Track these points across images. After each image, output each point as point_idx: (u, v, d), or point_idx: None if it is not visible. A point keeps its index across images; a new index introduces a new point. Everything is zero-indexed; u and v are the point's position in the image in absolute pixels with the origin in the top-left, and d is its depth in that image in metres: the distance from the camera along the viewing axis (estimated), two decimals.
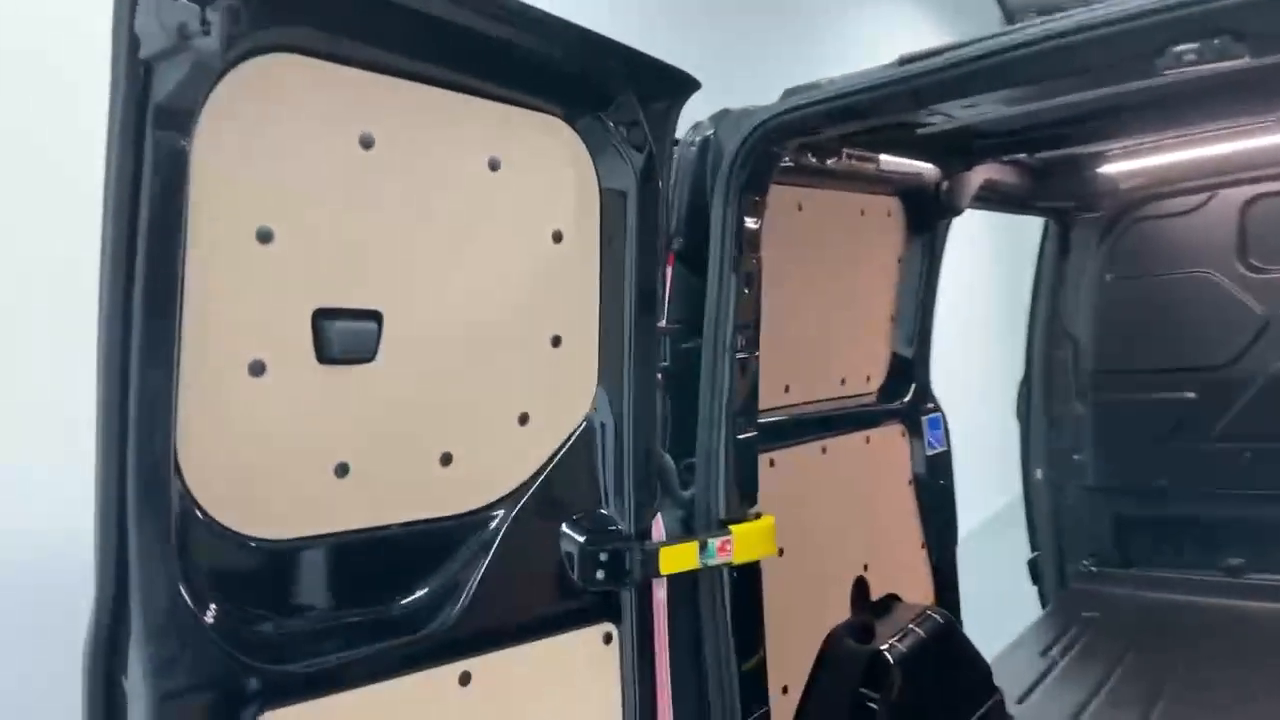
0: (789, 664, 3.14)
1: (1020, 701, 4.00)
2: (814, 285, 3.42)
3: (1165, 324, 5.07)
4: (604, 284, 2.21)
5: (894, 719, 3.17)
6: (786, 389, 3.35)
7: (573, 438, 2.19)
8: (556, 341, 2.12)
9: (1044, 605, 5.26)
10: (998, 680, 3.85)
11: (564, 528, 2.10)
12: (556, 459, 2.12)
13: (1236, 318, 4.91)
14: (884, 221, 3.85)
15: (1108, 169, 4.84)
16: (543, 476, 2.13)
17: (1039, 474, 5.34)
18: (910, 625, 3.46)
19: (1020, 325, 5.67)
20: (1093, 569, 5.28)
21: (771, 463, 3.16)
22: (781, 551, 3.12)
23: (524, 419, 2.07)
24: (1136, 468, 5.16)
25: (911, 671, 3.27)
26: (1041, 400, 5.34)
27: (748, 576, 2.54)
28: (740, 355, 2.52)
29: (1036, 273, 5.42)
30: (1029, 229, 5.83)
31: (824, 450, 3.46)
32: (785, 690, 3.12)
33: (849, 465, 3.62)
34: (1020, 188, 4.69)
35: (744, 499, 2.53)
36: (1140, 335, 5.15)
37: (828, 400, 3.62)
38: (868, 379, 3.92)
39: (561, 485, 2.16)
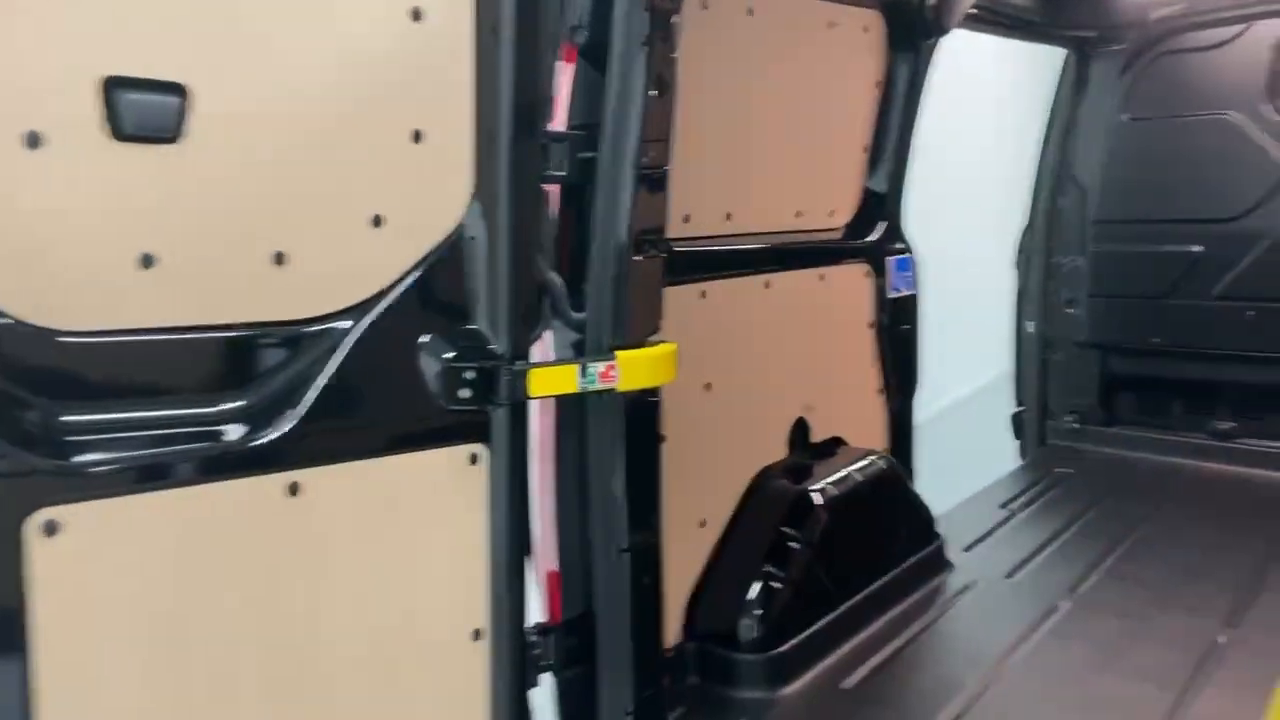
0: (710, 499, 3.05)
1: (967, 549, 3.92)
2: (767, 104, 3.13)
3: (1179, 171, 4.81)
4: (479, 77, 1.99)
5: (816, 560, 3.07)
6: (728, 216, 3.11)
7: (439, 247, 2.00)
8: (417, 137, 1.92)
9: (1023, 454, 5.24)
10: (950, 530, 3.79)
11: (424, 342, 1.93)
12: (419, 269, 1.93)
13: (1256, 166, 4.63)
14: (859, 38, 3.50)
15: None
16: (402, 286, 1.97)
17: (1030, 327, 5.19)
18: (849, 469, 3.36)
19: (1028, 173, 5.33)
20: (1075, 425, 5.17)
21: (703, 294, 2.97)
22: (709, 386, 2.97)
23: (377, 221, 1.88)
24: (1132, 324, 5.00)
25: (840, 514, 3.18)
26: (1041, 250, 5.14)
27: (643, 406, 2.39)
28: (645, 170, 2.28)
29: (1050, 113, 5.13)
30: (1046, 67, 5.36)
31: (768, 285, 3.25)
32: (703, 524, 3.03)
33: (798, 303, 3.43)
34: (1033, 9, 4.27)
35: (642, 325, 2.35)
36: (1151, 183, 4.90)
37: (778, 233, 3.36)
38: (831, 213, 3.66)
39: (425, 298, 1.99)
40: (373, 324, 1.93)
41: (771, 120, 3.15)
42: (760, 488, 3.14)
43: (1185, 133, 4.77)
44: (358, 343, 1.91)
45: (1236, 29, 4.63)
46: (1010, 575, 3.65)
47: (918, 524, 3.62)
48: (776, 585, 2.94)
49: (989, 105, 6.73)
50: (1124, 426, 5.13)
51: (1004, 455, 5.25)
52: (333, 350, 1.89)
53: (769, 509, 3.10)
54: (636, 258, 2.31)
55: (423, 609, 2.03)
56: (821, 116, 3.41)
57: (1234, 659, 2.95)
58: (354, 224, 1.93)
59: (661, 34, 2.29)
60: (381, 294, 1.96)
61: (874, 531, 3.40)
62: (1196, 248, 4.80)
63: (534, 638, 2.26)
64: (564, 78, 2.31)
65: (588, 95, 2.32)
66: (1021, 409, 5.28)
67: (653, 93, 2.29)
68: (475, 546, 2.10)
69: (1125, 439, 5.08)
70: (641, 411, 2.39)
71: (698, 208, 2.87)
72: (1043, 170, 5.10)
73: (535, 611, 2.30)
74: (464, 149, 2.04)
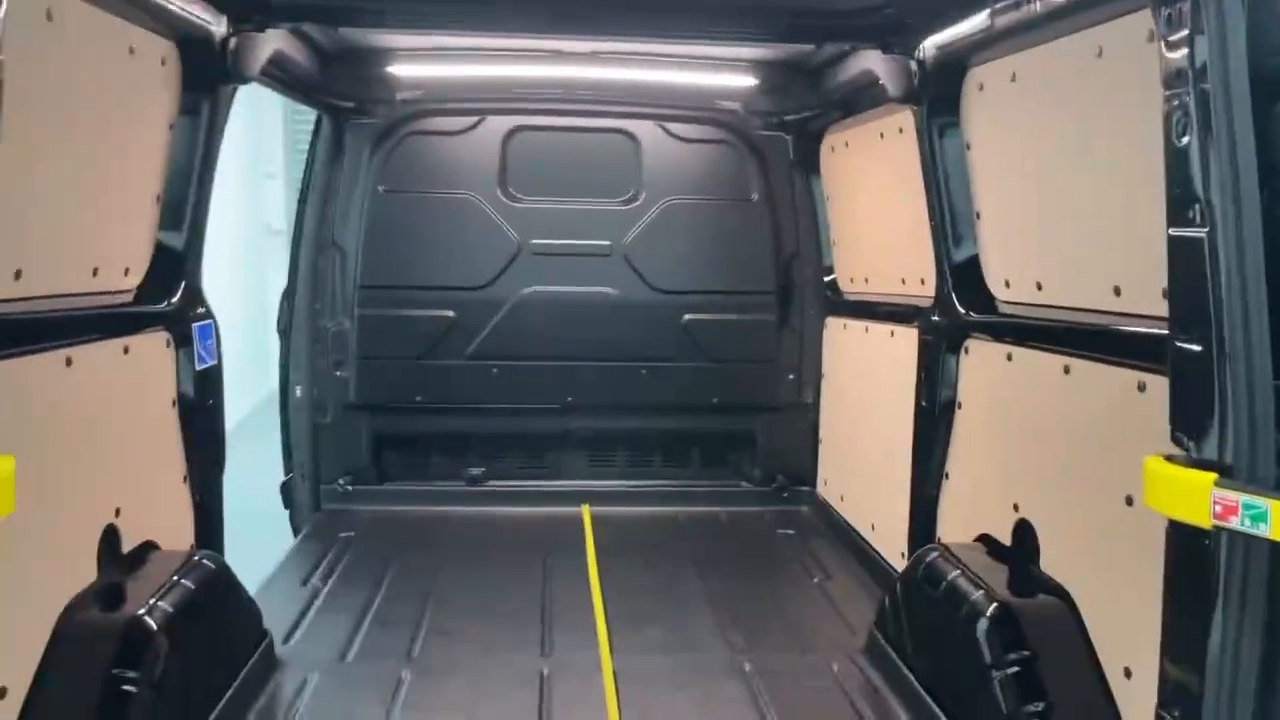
0: (9, 657, 2.21)
1: (287, 640, 3.60)
2: (30, 137, 2.37)
3: (434, 243, 5.07)
4: None
5: (160, 699, 2.45)
6: (18, 275, 2.32)
7: None
8: None
9: (296, 531, 4.94)
10: (265, 619, 3.44)
11: None
12: None
13: (495, 242, 5.09)
14: (155, 70, 2.97)
15: (394, 69, 4.62)
16: None
17: (298, 391, 4.95)
18: (172, 578, 2.85)
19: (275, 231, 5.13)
20: (349, 488, 5.10)
21: None
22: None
23: None
24: (396, 384, 5.11)
25: (177, 636, 2.64)
26: (306, 313, 4.93)
27: None
28: None
29: (306, 176, 4.98)
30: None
31: (69, 363, 2.52)
32: (2, 694, 2.18)
33: (103, 382, 2.78)
34: (310, 72, 4.15)
35: None
36: (408, 252, 5.07)
37: (72, 295, 2.67)
38: (126, 272, 3.05)
39: None
40: None
41: (37, 151, 2.43)
42: (69, 628, 2.40)
43: (436, 208, 5.04)
44: None
45: (472, 120, 5.06)
46: (344, 657, 3.45)
47: (249, 623, 3.24)
48: None
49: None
50: (394, 482, 5.20)
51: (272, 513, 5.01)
52: None
53: (90, 650, 2.40)
54: None
55: None
56: (102, 156, 2.80)
57: (562, 685, 3.21)
58: None
59: None
60: None
61: (214, 644, 2.93)
62: (450, 313, 5.10)
63: None
64: None
65: None
66: (290, 476, 5.03)
67: None
68: None
69: (396, 494, 5.15)
70: None
71: None
72: (302, 231, 4.93)
73: None
74: None
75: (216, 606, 2.92)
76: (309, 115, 5.05)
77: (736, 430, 5.35)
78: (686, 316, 5.23)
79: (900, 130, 3.84)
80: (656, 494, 5.26)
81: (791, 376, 5.28)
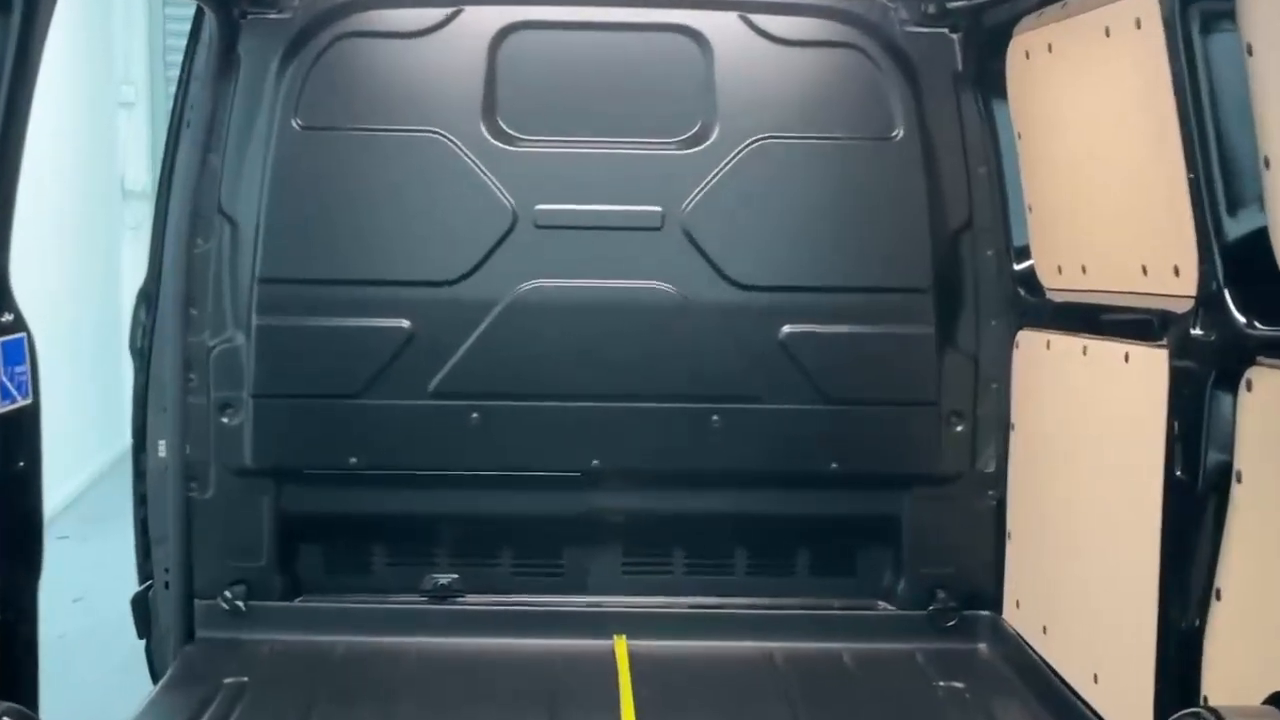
0: None
1: None
2: None
3: (377, 211, 4.41)
4: None
5: None
6: None
7: None
8: None
9: (156, 675, 4.31)
10: None
11: None
12: None
13: (478, 209, 4.37)
14: None
15: None
16: None
17: (162, 449, 4.29)
18: None
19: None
20: (240, 604, 4.41)
21: None
22: None
23: None
24: (318, 437, 4.47)
25: None
26: (176, 324, 4.26)
27: None
28: None
29: (177, 106, 4.42)
30: None
31: None
32: None
33: None
34: None
35: None
36: (339, 225, 4.43)
37: None
38: None
39: None
40: None
41: None
42: None
43: (382, 155, 4.38)
44: None
45: (441, 12, 4.34)
46: None
47: None
48: None
49: None
50: (312, 596, 4.54)
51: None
52: None
53: None
54: None
55: None
56: None
57: None
58: None
59: None
60: None
61: None
62: (404, 322, 4.32)
63: None
64: None
65: None
66: (150, 583, 4.38)
67: None
68: None
69: (316, 616, 4.45)
70: None
71: None
72: (168, 196, 4.29)
73: None
74: None
75: None
76: (186, 11, 4.87)
77: (869, 516, 4.68)
78: (786, 329, 4.45)
79: (1138, 23, 3.40)
80: (736, 620, 4.60)
81: (960, 428, 4.51)
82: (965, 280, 4.56)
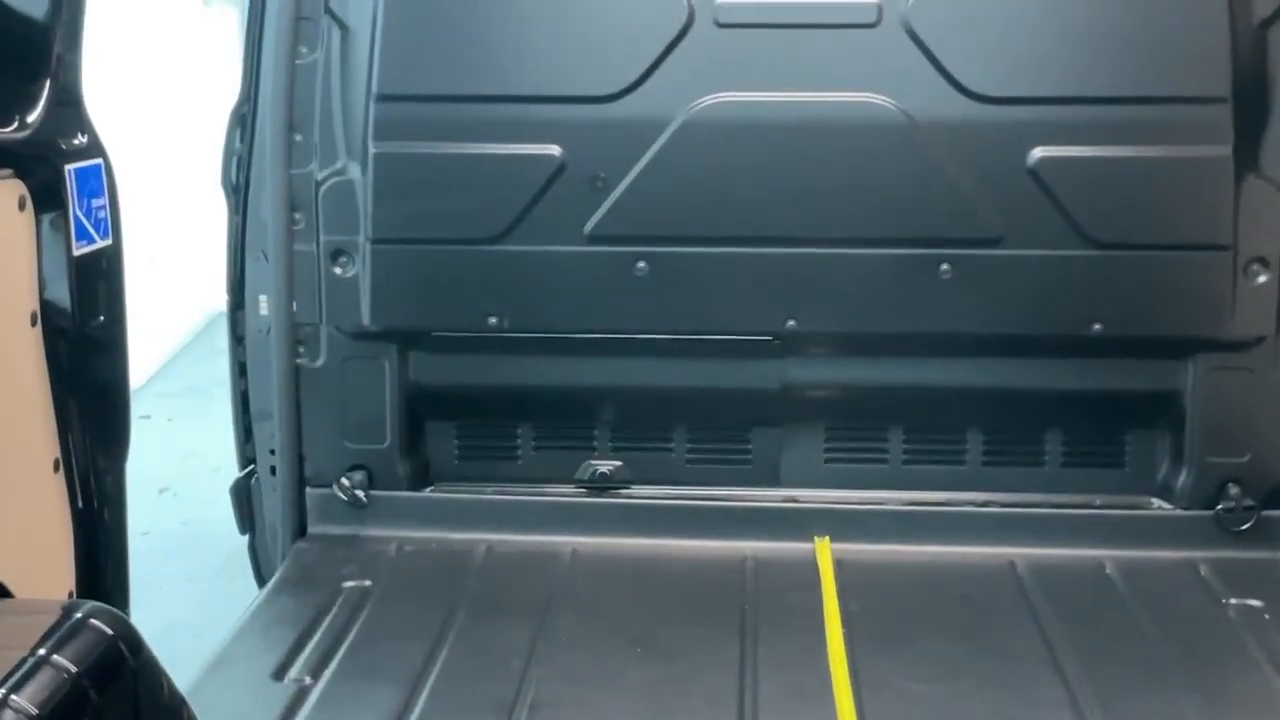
0: None
1: None
2: None
3: (519, 9, 3.98)
4: None
5: None
6: None
7: None
8: None
9: (262, 577, 4.07)
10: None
11: None
12: None
13: (644, 3, 3.93)
14: None
15: None
16: None
17: (264, 305, 4.00)
18: (41, 652, 2.07)
19: None
20: (360, 494, 4.12)
21: None
22: None
23: None
24: (446, 293, 4.09)
25: None
26: (277, 152, 3.86)
27: None
28: None
29: None
30: None
31: None
32: None
33: None
34: None
35: None
36: (474, 29, 3.97)
37: None
38: None
39: None
40: None
41: None
42: None
43: None
44: None
45: None
46: None
47: None
48: None
49: None
50: (446, 484, 4.27)
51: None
52: None
53: None
54: None
55: None
56: None
57: None
58: None
59: None
60: None
61: None
62: (554, 149, 3.95)
63: None
64: None
65: None
66: (252, 469, 4.15)
67: None
68: None
69: (450, 509, 4.17)
70: None
71: None
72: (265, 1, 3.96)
73: None
74: None
75: (114, 710, 2.21)
76: None
77: (1142, 391, 4.20)
78: (1037, 152, 3.95)
79: None
80: (968, 520, 4.15)
81: (1262, 279, 4.05)
82: (1274, 87, 4.02)
